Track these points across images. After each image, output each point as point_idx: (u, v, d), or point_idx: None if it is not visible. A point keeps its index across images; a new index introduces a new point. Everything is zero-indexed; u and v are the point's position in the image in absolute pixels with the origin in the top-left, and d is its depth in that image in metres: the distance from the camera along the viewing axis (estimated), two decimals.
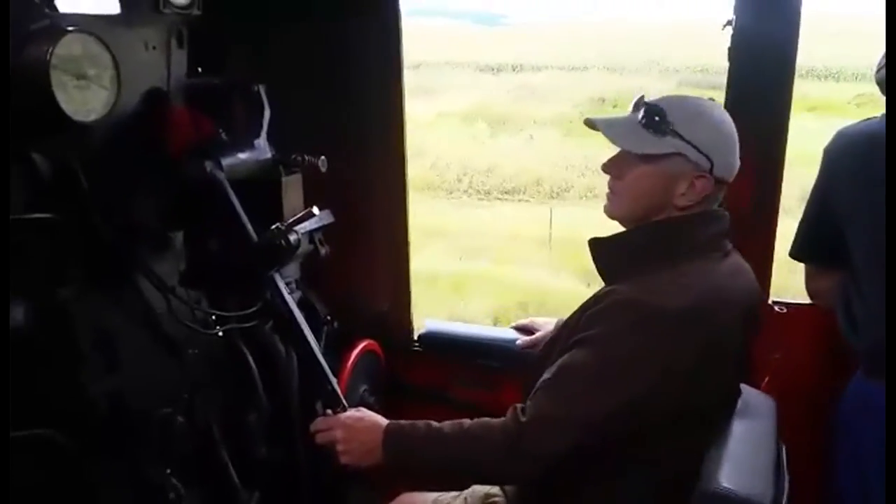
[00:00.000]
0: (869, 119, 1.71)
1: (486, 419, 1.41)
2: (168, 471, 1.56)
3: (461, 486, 1.68)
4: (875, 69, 1.71)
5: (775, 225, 1.92)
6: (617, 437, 1.33)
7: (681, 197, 1.39)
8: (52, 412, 1.42)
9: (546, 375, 1.38)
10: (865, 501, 1.64)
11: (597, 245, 1.48)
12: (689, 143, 1.37)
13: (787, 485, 1.45)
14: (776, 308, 1.97)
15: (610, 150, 1.45)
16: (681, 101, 1.42)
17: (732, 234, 1.46)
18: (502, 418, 1.39)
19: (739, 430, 1.45)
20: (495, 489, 1.69)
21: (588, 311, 1.38)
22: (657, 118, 1.38)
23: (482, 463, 1.40)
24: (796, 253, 1.82)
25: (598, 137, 1.42)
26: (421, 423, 1.47)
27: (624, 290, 1.33)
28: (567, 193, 13.92)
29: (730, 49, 1.86)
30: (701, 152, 1.37)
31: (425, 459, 1.45)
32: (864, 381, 1.67)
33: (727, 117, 1.44)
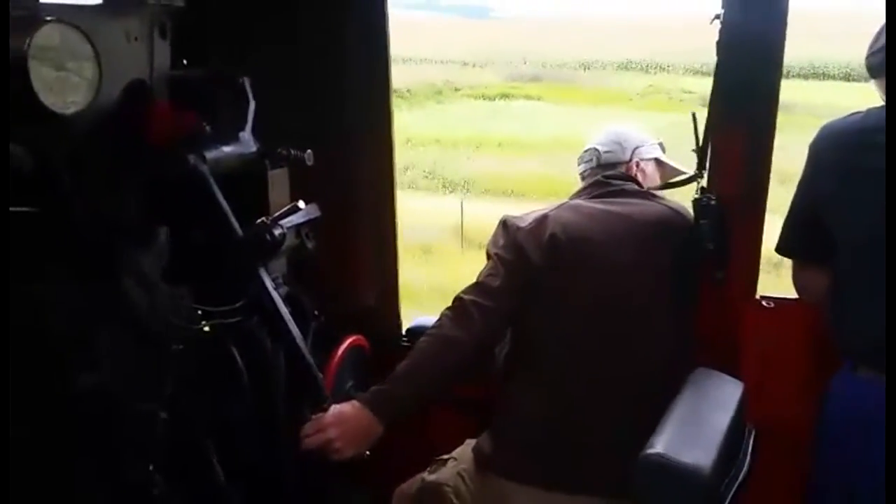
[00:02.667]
0: (854, 114, 1.71)
1: None
2: (151, 467, 1.55)
3: (454, 381, 1.88)
4: (868, 52, 1.69)
5: (763, 217, 1.92)
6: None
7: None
8: (31, 408, 1.40)
9: None
10: (849, 497, 1.65)
11: None
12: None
13: (746, 466, 1.60)
14: (763, 303, 1.97)
15: None
16: None
17: (720, 224, 1.85)
18: None
19: (693, 407, 1.62)
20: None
21: None
22: None
23: (452, 343, 1.77)
24: (782, 248, 1.82)
25: None
26: (391, 375, 1.78)
27: None
28: None
29: (718, 43, 1.86)
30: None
31: (416, 391, 1.78)
32: (850, 375, 1.67)
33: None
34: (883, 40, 1.66)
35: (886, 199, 1.53)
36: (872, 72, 1.70)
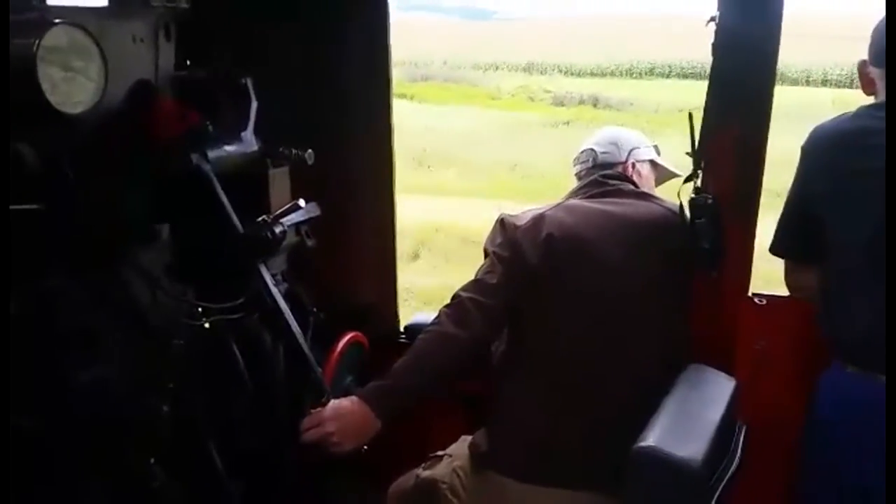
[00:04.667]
0: (843, 115, 1.73)
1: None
2: (152, 460, 1.58)
3: (453, 377, 1.89)
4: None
5: (756, 215, 1.95)
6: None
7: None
8: (35, 402, 1.43)
9: None
10: (836, 489, 1.67)
11: None
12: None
13: (737, 460, 1.64)
14: (756, 300, 2.00)
15: None
16: None
17: (716, 223, 1.85)
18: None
19: (686, 402, 1.67)
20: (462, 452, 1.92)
21: None
22: None
23: (450, 340, 1.79)
24: (776, 248, 1.85)
25: None
26: (389, 372, 1.79)
27: None
28: None
29: (713, 45, 1.88)
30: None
31: (414, 386, 1.80)
32: (838, 372, 1.69)
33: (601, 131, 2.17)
34: None
35: (886, 200, 1.54)
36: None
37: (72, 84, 1.34)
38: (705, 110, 1.91)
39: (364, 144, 2.26)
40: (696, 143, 1.91)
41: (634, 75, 17.96)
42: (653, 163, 2.11)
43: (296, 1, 2.15)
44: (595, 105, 14.95)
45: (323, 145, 1.87)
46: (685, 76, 16.94)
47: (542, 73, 18.40)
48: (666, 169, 2.13)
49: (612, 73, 18.03)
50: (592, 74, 18.04)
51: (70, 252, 1.45)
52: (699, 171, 1.91)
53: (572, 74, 18.22)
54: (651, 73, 17.71)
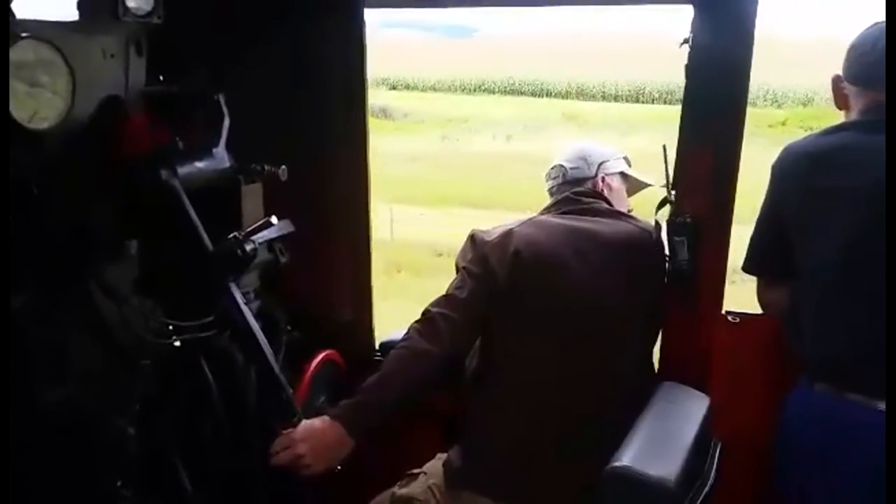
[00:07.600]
0: (812, 134, 1.76)
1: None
2: (119, 483, 1.54)
3: (424, 393, 1.89)
4: (859, 60, 1.68)
5: (729, 234, 1.96)
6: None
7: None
8: (2, 419, 1.39)
9: None
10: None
11: None
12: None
13: (711, 479, 1.64)
14: (729, 318, 2.01)
15: None
16: None
17: (693, 242, 1.90)
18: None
19: (660, 421, 1.68)
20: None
21: None
22: None
23: (421, 355, 1.80)
24: (748, 266, 1.86)
25: None
26: (359, 390, 1.80)
27: None
28: None
29: (686, 66, 1.91)
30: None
31: (386, 403, 1.80)
32: (806, 389, 1.70)
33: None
34: (876, 53, 1.64)
35: (886, 202, 1.54)
36: (861, 80, 1.69)
37: (38, 99, 1.33)
38: (680, 131, 1.93)
39: (338, 161, 2.25)
40: (671, 169, 1.93)
41: (466, 91, 19.83)
42: (623, 174, 2.11)
43: (270, 17, 2.14)
44: (377, 115, 16.53)
45: (297, 162, 1.86)
46: (506, 93, 18.98)
47: (380, 86, 19.77)
48: (637, 179, 2.13)
49: (448, 89, 19.54)
50: (434, 89, 19.52)
51: (36, 269, 1.43)
52: (672, 192, 1.93)
53: (406, 88, 19.72)
54: (479, 89, 19.59)
